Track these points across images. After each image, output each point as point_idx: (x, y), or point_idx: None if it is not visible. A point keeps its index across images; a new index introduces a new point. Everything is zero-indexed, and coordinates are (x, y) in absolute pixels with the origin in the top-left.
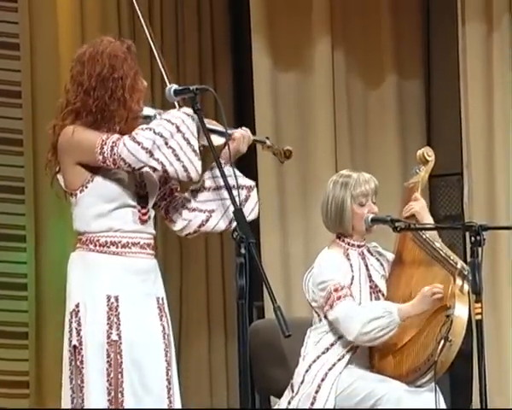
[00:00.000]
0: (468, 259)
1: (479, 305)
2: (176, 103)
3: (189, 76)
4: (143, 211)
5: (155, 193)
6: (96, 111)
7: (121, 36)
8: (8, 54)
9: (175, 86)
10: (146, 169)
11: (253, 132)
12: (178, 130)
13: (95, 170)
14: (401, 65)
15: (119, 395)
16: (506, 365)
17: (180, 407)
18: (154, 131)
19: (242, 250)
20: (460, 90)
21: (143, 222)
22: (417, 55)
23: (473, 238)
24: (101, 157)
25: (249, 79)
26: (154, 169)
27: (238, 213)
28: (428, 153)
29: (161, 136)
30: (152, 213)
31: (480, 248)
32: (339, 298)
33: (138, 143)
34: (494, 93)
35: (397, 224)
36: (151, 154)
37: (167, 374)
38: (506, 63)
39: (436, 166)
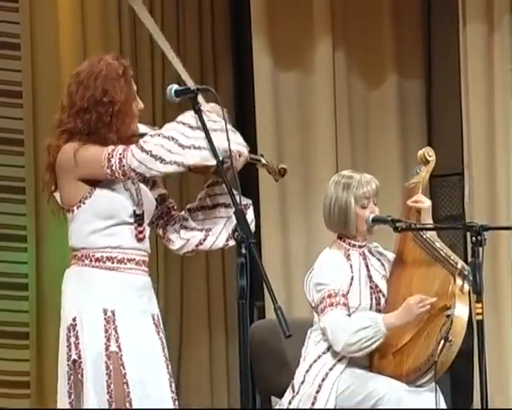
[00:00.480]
0: (469, 259)
1: (479, 305)
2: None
3: (189, 76)
4: (140, 229)
5: (152, 212)
6: (89, 133)
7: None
8: (9, 54)
9: (176, 86)
10: (143, 188)
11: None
12: (190, 126)
13: (93, 185)
14: (402, 65)
15: (127, 405)
16: (506, 365)
17: None
18: (163, 136)
19: (243, 250)
20: (461, 90)
21: (140, 240)
22: (418, 55)
23: (473, 238)
24: (109, 171)
25: (250, 79)
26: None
27: (238, 213)
28: (429, 153)
29: (171, 138)
30: (148, 230)
31: (480, 249)
32: (331, 305)
33: (147, 152)
34: (495, 93)
35: (397, 224)
36: (162, 160)
37: (171, 386)
38: (507, 63)
39: (437, 166)
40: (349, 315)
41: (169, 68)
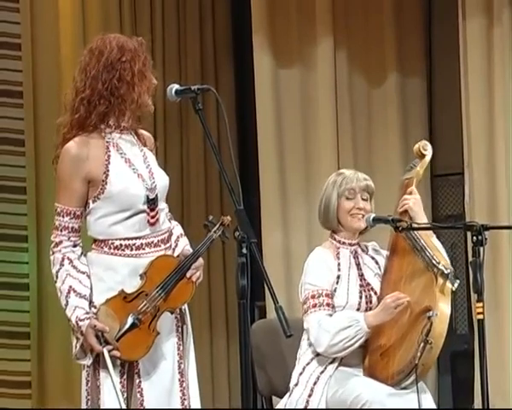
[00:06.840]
0: (470, 258)
1: (480, 305)
2: None
3: (190, 75)
4: (152, 214)
5: (165, 190)
6: (107, 95)
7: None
8: (10, 54)
9: (176, 86)
10: (155, 167)
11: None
12: None
13: (106, 178)
14: (403, 63)
15: (139, 396)
16: (507, 365)
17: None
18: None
19: (244, 250)
20: (461, 89)
21: (152, 224)
22: (419, 53)
23: (474, 238)
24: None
25: (251, 78)
26: None
27: (240, 213)
28: (425, 147)
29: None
30: (164, 211)
31: (481, 248)
32: (314, 306)
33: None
34: (495, 91)
35: (398, 224)
36: None
37: (181, 386)
38: (507, 62)
39: (438, 165)
40: (331, 315)
41: (169, 66)
